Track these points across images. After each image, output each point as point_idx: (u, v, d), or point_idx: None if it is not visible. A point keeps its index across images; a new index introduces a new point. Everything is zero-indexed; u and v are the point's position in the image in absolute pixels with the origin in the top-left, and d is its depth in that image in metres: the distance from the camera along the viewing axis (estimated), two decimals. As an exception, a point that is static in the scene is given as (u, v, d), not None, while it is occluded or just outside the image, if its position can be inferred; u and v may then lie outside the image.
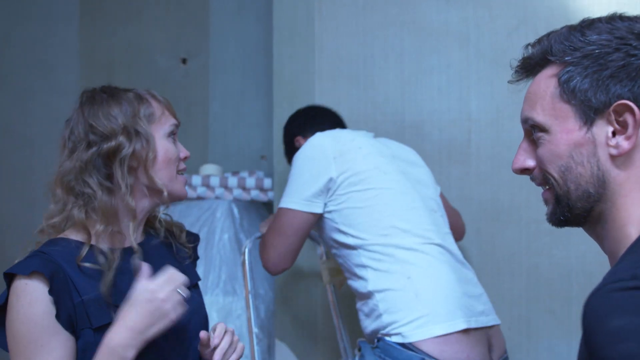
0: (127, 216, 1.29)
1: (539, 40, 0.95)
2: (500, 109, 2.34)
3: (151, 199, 1.33)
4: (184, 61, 3.20)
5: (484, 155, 2.35)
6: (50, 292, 1.16)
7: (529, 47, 0.97)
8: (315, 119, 2.21)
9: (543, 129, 0.93)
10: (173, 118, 1.38)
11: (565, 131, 0.90)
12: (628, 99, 0.86)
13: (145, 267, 1.20)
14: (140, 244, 1.32)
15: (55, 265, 1.19)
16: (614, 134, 0.88)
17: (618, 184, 0.88)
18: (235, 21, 3.18)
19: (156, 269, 1.26)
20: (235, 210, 2.82)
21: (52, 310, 1.16)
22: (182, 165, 1.38)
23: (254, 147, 3.08)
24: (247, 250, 2.14)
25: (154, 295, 1.15)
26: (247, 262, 2.13)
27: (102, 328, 1.19)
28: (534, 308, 2.29)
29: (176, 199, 1.37)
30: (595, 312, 0.75)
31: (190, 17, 3.21)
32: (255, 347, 2.08)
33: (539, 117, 0.93)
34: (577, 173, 0.90)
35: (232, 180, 2.81)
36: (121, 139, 1.27)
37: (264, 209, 2.98)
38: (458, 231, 2.12)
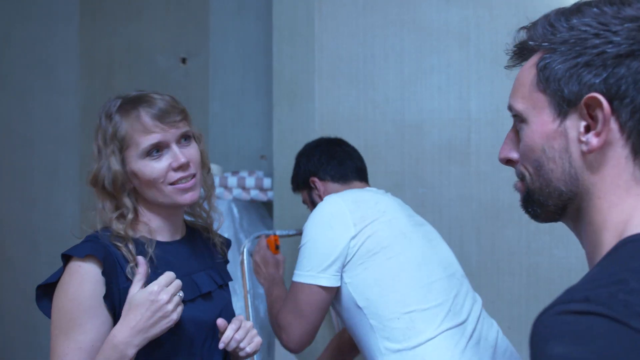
0: (150, 218, 1.39)
1: (534, 24, 0.89)
2: (500, 109, 2.34)
3: (161, 207, 1.39)
4: (183, 61, 3.20)
5: (484, 155, 2.35)
6: (103, 273, 1.26)
7: (522, 31, 0.91)
8: (335, 161, 2.01)
9: (522, 119, 0.87)
10: (152, 133, 1.33)
11: (540, 123, 0.84)
12: (600, 91, 0.78)
13: (142, 267, 1.27)
14: (176, 242, 1.43)
15: (107, 250, 1.29)
16: (587, 129, 0.80)
17: (592, 184, 0.81)
18: (235, 21, 3.18)
19: (184, 266, 1.40)
20: (235, 210, 2.82)
21: (101, 292, 1.26)
22: (175, 176, 1.35)
23: (253, 147, 3.08)
24: (245, 250, 2.14)
25: (157, 297, 1.22)
26: (245, 261, 2.13)
27: None
28: (534, 307, 2.28)
29: (180, 206, 1.41)
30: (540, 334, 0.69)
31: (190, 17, 3.21)
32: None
33: (519, 105, 0.87)
34: (549, 169, 0.84)
35: (232, 180, 2.81)
36: (100, 164, 1.37)
37: (264, 209, 2.98)
38: None
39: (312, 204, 2.04)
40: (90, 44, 3.33)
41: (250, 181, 2.81)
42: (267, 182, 2.80)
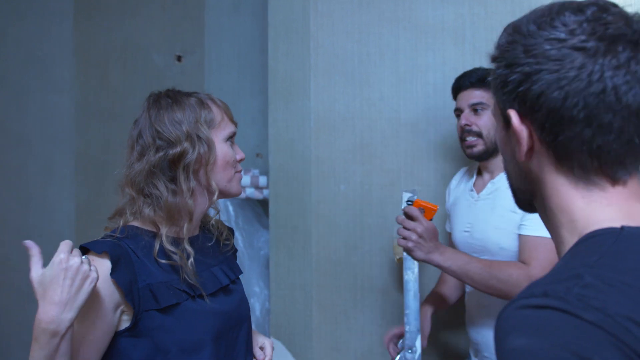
0: (187, 215, 1.43)
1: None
2: (495, 107, 2.34)
3: (209, 198, 1.47)
4: (179, 58, 3.19)
5: (480, 153, 2.35)
6: (112, 273, 1.29)
7: None
8: None
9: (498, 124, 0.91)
10: (231, 123, 1.50)
11: (499, 129, 0.89)
12: (515, 107, 0.83)
13: (34, 249, 1.25)
14: (196, 237, 1.49)
15: (124, 251, 1.33)
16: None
17: (537, 187, 0.86)
18: (230, 18, 3.18)
19: (206, 260, 1.48)
20: (231, 208, 2.82)
21: (107, 288, 1.30)
22: (239, 167, 1.51)
23: (249, 145, 3.08)
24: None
25: (68, 264, 1.20)
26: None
27: (169, 309, 1.35)
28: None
29: (233, 196, 1.53)
30: (501, 328, 0.73)
31: (186, 15, 3.20)
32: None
33: (493, 110, 0.91)
34: (509, 169, 0.91)
35: (228, 178, 2.80)
36: (186, 145, 1.39)
37: (259, 207, 2.98)
38: None
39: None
40: (85, 41, 3.32)
41: (245, 179, 2.81)
42: (262, 180, 2.80)
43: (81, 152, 3.32)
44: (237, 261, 1.69)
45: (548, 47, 0.79)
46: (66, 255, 1.20)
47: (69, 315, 1.19)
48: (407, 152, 2.42)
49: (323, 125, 2.44)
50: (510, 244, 1.88)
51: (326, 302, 2.45)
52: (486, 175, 2.08)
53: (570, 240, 0.82)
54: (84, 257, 1.23)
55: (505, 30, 0.88)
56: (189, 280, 1.40)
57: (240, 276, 1.61)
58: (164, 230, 1.39)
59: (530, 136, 0.82)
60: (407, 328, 1.91)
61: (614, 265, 0.74)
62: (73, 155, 3.33)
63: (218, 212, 1.62)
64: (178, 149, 1.39)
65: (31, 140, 3.38)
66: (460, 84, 2.08)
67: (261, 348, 1.66)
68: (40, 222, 3.34)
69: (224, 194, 1.49)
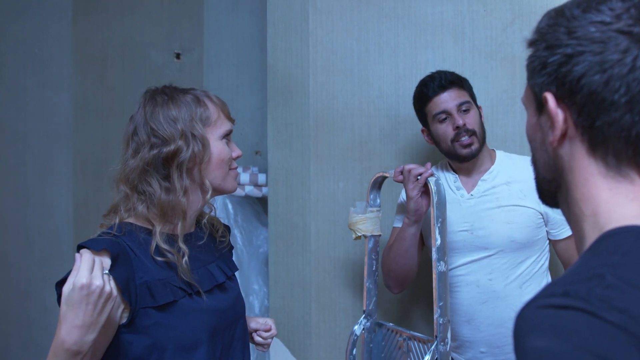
0: (180, 213, 1.42)
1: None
2: (494, 104, 2.34)
3: (202, 196, 1.46)
4: (177, 56, 3.19)
5: (479, 150, 2.34)
6: (110, 270, 1.28)
7: None
8: None
9: (526, 109, 0.90)
10: (228, 121, 1.51)
11: (530, 115, 0.88)
12: (552, 90, 0.81)
13: (78, 262, 1.23)
14: (191, 234, 1.48)
15: (122, 249, 1.33)
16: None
17: (566, 176, 0.84)
18: (229, 16, 3.17)
19: (202, 257, 1.48)
20: (230, 206, 2.82)
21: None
22: (234, 164, 1.52)
23: (248, 143, 3.07)
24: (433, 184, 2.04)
25: (91, 288, 1.19)
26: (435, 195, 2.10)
27: (165, 306, 1.35)
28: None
29: (228, 193, 1.54)
30: (522, 327, 0.71)
31: (185, 12, 3.20)
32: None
33: (523, 96, 0.89)
34: (537, 158, 0.88)
35: (227, 176, 2.80)
36: (180, 143, 1.39)
37: (258, 205, 2.98)
38: None
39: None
40: (83, 39, 3.32)
41: (245, 177, 2.81)
42: (261, 177, 2.80)
43: (79, 149, 3.31)
44: (237, 259, 1.69)
45: (592, 29, 0.77)
46: (88, 280, 1.19)
47: (91, 336, 1.20)
48: (406, 149, 2.42)
49: (322, 123, 2.44)
50: (521, 236, 2.02)
51: (325, 300, 2.45)
52: (462, 175, 2.12)
53: (591, 236, 0.80)
54: (105, 272, 1.23)
55: (546, 14, 0.85)
56: (185, 278, 1.39)
57: (239, 274, 1.62)
58: (158, 228, 1.39)
59: (565, 121, 0.80)
60: (440, 321, 1.89)
61: (635, 266, 0.72)
62: (71, 152, 3.32)
63: (212, 209, 1.61)
64: (172, 147, 1.39)
65: (29, 138, 3.37)
66: (443, 85, 2.05)
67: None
68: (39, 220, 3.33)
69: (218, 192, 1.49)
